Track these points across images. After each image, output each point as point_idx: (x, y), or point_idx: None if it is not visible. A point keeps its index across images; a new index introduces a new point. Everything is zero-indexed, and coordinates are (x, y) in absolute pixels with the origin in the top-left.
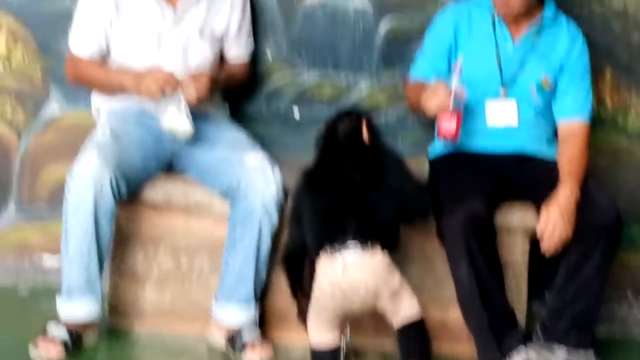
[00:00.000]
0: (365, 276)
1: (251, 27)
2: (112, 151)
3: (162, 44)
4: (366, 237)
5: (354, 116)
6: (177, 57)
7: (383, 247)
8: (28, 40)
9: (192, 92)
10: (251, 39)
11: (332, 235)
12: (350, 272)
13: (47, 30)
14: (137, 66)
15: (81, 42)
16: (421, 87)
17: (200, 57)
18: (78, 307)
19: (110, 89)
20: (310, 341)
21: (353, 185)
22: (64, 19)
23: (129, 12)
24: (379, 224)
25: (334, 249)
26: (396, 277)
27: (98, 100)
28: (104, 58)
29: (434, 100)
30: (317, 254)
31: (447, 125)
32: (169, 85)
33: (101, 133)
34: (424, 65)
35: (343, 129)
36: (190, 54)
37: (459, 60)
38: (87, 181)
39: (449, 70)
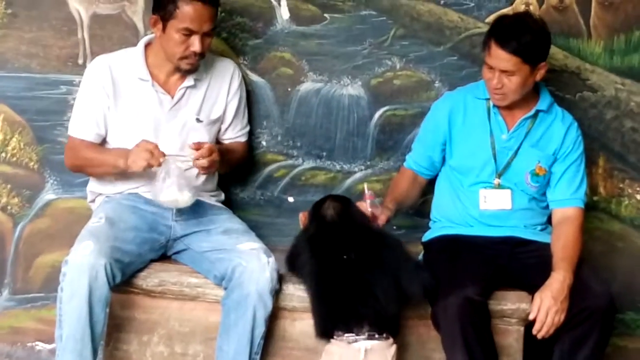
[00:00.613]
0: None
1: (246, 109)
2: (107, 237)
3: (159, 131)
4: (381, 325)
5: (340, 198)
6: (175, 143)
7: (391, 334)
8: (24, 129)
9: (204, 162)
10: (246, 119)
11: (348, 321)
12: (375, 356)
13: (43, 119)
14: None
15: (80, 127)
16: (395, 185)
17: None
18: None
19: (105, 168)
20: None
21: (353, 265)
22: (60, 108)
23: (126, 98)
24: (391, 315)
25: (350, 334)
26: None
27: (93, 187)
28: (102, 143)
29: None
30: (327, 335)
31: None
32: (154, 156)
33: (96, 219)
34: (418, 158)
35: (331, 207)
36: (188, 140)
37: (367, 192)
38: (82, 267)
39: (443, 161)
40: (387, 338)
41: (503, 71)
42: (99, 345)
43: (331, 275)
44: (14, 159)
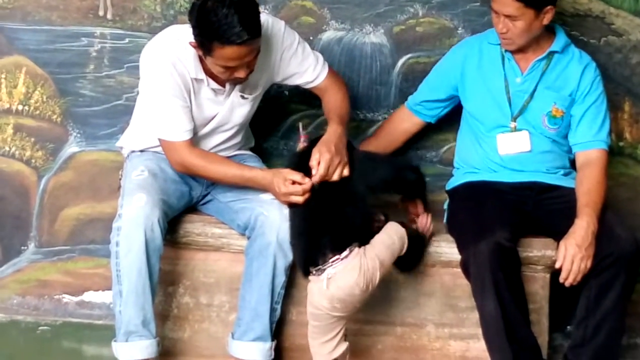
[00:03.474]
0: (354, 276)
1: (305, 46)
2: (156, 190)
3: (213, 120)
4: (343, 246)
5: None
6: (225, 124)
7: (360, 243)
8: (46, 82)
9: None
10: (314, 54)
11: (314, 258)
12: (338, 280)
13: (65, 71)
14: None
15: (176, 128)
16: (389, 125)
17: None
18: (137, 348)
19: (234, 181)
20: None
21: (317, 196)
22: (82, 60)
23: (188, 93)
24: (352, 229)
25: (317, 268)
26: (378, 259)
27: (127, 140)
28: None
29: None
30: (307, 274)
31: None
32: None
33: (138, 172)
34: (421, 97)
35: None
36: (232, 115)
37: (301, 132)
38: (138, 220)
39: (445, 105)
40: (351, 252)
41: (507, 16)
42: (155, 298)
43: (297, 213)
44: (37, 112)
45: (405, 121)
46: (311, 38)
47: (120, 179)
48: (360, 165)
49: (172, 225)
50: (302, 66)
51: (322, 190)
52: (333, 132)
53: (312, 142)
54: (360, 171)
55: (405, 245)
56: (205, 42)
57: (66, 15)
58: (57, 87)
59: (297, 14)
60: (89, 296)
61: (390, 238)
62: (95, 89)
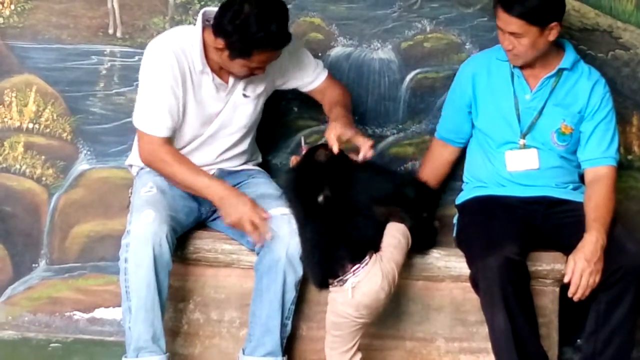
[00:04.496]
0: (378, 282)
1: (308, 54)
2: (164, 206)
3: (215, 116)
4: (361, 255)
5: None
6: (226, 122)
7: (375, 250)
8: (57, 100)
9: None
10: (316, 61)
11: (334, 270)
12: (363, 287)
13: (75, 89)
14: (185, 138)
15: (155, 123)
16: (429, 158)
17: (247, 118)
18: None
19: (188, 187)
20: None
21: (327, 208)
22: (92, 78)
23: (189, 88)
24: (366, 238)
25: (338, 279)
26: (393, 261)
27: (134, 157)
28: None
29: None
30: (324, 286)
31: None
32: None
33: (147, 189)
34: (447, 125)
35: (322, 153)
36: (234, 115)
37: (303, 144)
38: (146, 236)
39: (472, 126)
40: (370, 259)
41: (512, 33)
42: (165, 314)
43: (308, 228)
44: (48, 130)
45: (443, 153)
46: (320, 54)
47: (129, 197)
48: (362, 176)
49: (182, 241)
50: (303, 64)
51: (329, 204)
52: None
53: (306, 155)
54: (362, 183)
55: (410, 240)
56: (243, 47)
57: (76, 33)
58: (67, 105)
59: (306, 31)
60: (99, 313)
61: (395, 238)
62: (105, 106)
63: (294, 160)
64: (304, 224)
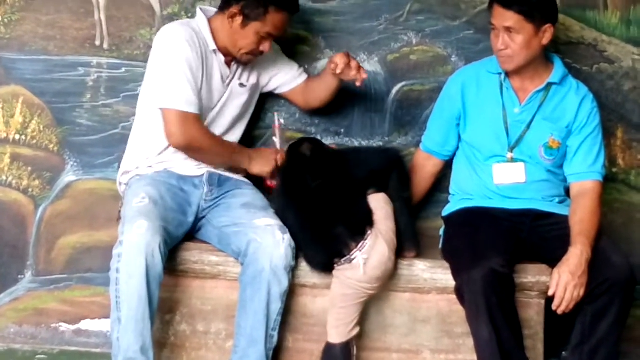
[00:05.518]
0: (385, 253)
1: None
2: (157, 216)
3: (219, 102)
4: (361, 232)
5: (312, 139)
6: (225, 111)
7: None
8: (43, 111)
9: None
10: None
11: (339, 250)
12: (373, 261)
13: (62, 101)
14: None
15: (188, 100)
16: (413, 170)
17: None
18: None
19: (223, 160)
20: (330, 338)
21: (321, 193)
22: (79, 90)
23: (202, 71)
24: (364, 215)
25: (345, 257)
26: (388, 228)
27: (127, 166)
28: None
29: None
30: (329, 269)
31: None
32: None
33: (139, 199)
34: (433, 137)
35: (305, 145)
36: (230, 104)
37: (276, 121)
38: (139, 246)
39: (459, 139)
40: (371, 233)
41: (507, 29)
42: (154, 325)
43: (307, 217)
44: (34, 141)
45: (426, 166)
46: (306, 66)
47: (120, 210)
48: (353, 157)
49: (169, 253)
50: (287, 60)
51: (323, 190)
52: None
53: (291, 151)
54: (356, 161)
55: (391, 205)
56: (260, 6)
57: (63, 45)
58: (54, 116)
59: (292, 43)
60: (86, 324)
61: (382, 209)
62: (92, 118)
63: (279, 158)
64: (302, 214)
